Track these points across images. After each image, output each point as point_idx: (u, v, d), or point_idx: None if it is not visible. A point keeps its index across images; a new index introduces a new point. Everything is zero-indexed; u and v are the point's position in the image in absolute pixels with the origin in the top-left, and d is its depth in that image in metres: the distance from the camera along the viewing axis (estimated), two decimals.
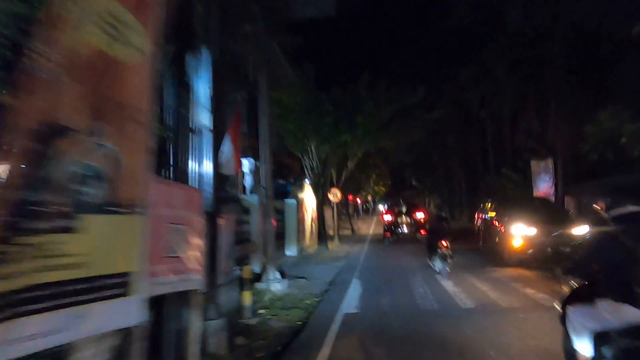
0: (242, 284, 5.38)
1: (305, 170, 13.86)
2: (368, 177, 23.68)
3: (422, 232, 12.47)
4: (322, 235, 13.94)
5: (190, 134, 4.17)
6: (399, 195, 41.70)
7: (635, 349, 2.28)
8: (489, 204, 13.35)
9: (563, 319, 2.87)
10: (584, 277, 2.87)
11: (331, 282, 8.34)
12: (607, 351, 2.41)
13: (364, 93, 12.69)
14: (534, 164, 18.68)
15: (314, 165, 13.48)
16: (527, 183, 20.29)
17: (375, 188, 36.12)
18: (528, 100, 18.11)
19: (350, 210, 33.72)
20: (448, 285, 7.58)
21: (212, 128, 4.27)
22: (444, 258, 8.38)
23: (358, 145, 13.35)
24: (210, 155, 4.31)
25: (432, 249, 9.04)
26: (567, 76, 15.66)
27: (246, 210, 7.29)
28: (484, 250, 11.97)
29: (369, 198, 52.18)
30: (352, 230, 23.67)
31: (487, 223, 12.37)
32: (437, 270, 8.66)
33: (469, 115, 28.08)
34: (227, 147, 5.39)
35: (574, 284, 2.97)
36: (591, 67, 15.60)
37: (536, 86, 17.20)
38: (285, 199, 12.83)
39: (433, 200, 42.16)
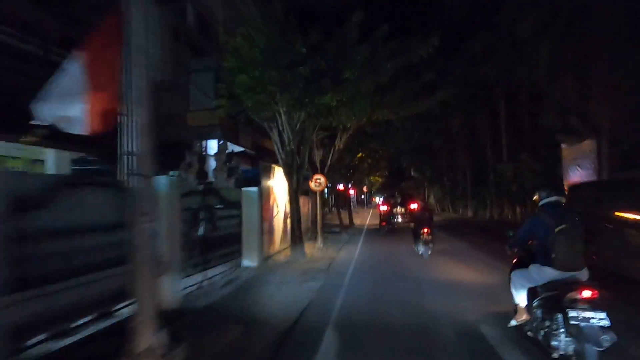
0: None
1: (276, 147, 10.06)
2: (362, 162, 19.34)
3: (426, 230, 10.90)
4: (296, 236, 10.20)
5: None
6: (396, 187, 42.33)
7: (551, 297, 3.64)
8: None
9: (509, 281, 4.32)
10: (522, 249, 4.25)
11: (286, 336, 4.42)
12: (535, 302, 3.87)
13: (355, 37, 8.86)
14: (565, 148, 15.08)
15: (286, 139, 9.65)
16: (550, 172, 16.95)
17: (371, 178, 31.79)
18: (562, 67, 14.38)
19: (341, 202, 30.23)
20: None
21: None
22: (426, 243, 9.99)
23: (346, 114, 9.48)
24: None
25: (416, 235, 10.67)
26: (619, 32, 11.96)
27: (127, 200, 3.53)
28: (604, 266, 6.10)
29: (364, 189, 46.45)
30: (341, 226, 19.89)
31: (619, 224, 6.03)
32: (420, 253, 10.13)
33: (478, 95, 24.46)
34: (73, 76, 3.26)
35: (514, 252, 4.39)
36: None
37: (574, 49, 13.51)
38: (246, 188, 9.09)
39: (434, 193, 39.36)
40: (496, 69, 19.76)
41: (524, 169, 19.17)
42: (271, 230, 9.96)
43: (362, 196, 55.87)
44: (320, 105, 8.48)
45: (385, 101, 10.37)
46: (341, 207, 26.56)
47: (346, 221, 21.92)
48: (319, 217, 13.13)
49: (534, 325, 3.88)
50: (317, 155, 13.24)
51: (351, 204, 31.47)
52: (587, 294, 3.34)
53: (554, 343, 3.49)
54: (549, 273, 3.70)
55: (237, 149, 13.43)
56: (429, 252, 9.90)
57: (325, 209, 28.23)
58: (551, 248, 3.61)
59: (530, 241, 4.11)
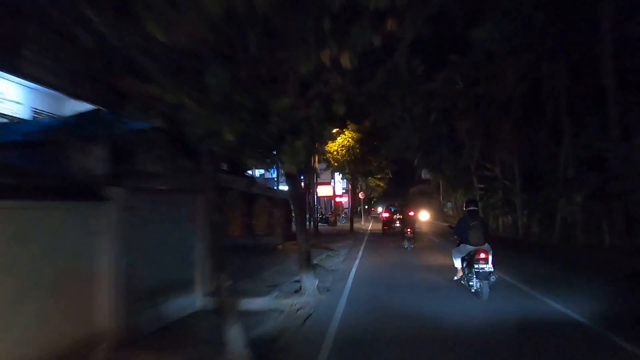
0: None
1: None
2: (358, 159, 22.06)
3: (408, 230, 14.29)
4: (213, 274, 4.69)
5: None
6: (401, 195, 43.44)
7: (469, 259, 6.71)
8: None
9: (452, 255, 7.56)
10: (459, 236, 7.20)
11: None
12: (464, 264, 6.96)
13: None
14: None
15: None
16: None
17: (370, 181, 29.96)
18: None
19: (330, 213, 31.15)
20: None
21: None
22: (409, 240, 14.01)
23: None
24: None
25: (402, 234, 14.79)
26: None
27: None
28: None
29: (360, 196, 34.32)
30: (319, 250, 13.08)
31: None
32: (405, 247, 14.00)
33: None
34: None
35: (456, 238, 7.42)
36: None
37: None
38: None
39: (455, 199, 31.69)
40: None
41: None
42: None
43: (360, 207, 42.52)
44: None
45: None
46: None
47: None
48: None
49: (463, 276, 7.12)
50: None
51: (335, 216, 32.86)
52: (482, 255, 6.41)
53: (470, 283, 6.73)
54: (468, 248, 6.87)
55: None
56: (412, 246, 13.94)
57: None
58: (469, 234, 6.84)
59: (461, 231, 7.10)
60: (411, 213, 19.17)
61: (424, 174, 40.48)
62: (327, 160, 21.95)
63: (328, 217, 31.51)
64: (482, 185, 24.81)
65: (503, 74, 17.13)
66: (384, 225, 22.86)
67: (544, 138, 18.07)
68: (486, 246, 6.70)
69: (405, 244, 13.96)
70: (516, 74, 16.79)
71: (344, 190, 40.49)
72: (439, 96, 21.07)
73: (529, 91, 17.56)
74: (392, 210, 23.07)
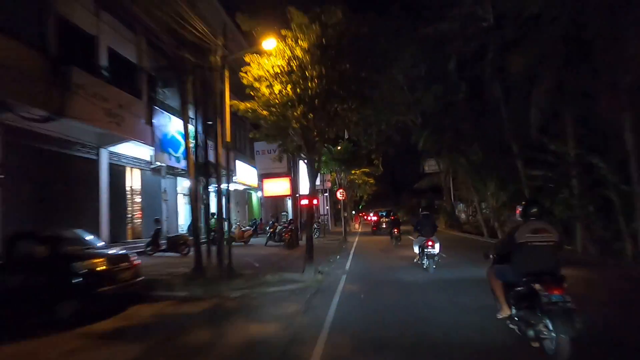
0: None
1: None
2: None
3: (396, 230, 16.99)
4: None
5: None
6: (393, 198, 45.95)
7: (421, 246, 9.75)
8: None
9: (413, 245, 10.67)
10: (419, 231, 10.11)
11: None
12: (420, 250, 9.93)
13: None
14: None
15: None
16: None
17: (353, 175, 24.48)
18: None
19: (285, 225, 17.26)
20: None
21: None
22: (396, 238, 16.66)
23: None
24: None
25: (391, 234, 17.54)
26: None
27: None
28: None
29: (339, 196, 23.98)
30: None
31: None
32: (394, 244, 16.44)
33: None
34: None
35: (416, 233, 10.32)
36: None
37: None
38: None
39: (491, 198, 19.49)
40: None
41: None
42: None
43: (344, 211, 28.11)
44: None
45: None
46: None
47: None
48: None
49: (419, 257, 10.05)
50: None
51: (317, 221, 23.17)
52: (430, 243, 9.30)
53: (422, 262, 9.63)
54: (421, 238, 9.66)
55: None
56: (399, 243, 16.35)
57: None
58: (423, 230, 9.77)
59: (420, 227, 9.95)
60: (394, 218, 20.07)
61: (428, 167, 30.78)
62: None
63: (281, 231, 16.95)
64: (538, 172, 14.98)
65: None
66: (372, 226, 28.55)
67: None
68: (434, 237, 9.51)
69: (394, 242, 16.67)
70: None
71: (321, 188, 29.73)
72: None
73: None
74: (381, 214, 28.83)
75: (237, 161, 19.76)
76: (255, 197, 27.54)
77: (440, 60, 19.56)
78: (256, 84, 7.86)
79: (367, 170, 27.22)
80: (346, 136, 23.30)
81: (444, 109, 20.30)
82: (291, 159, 17.91)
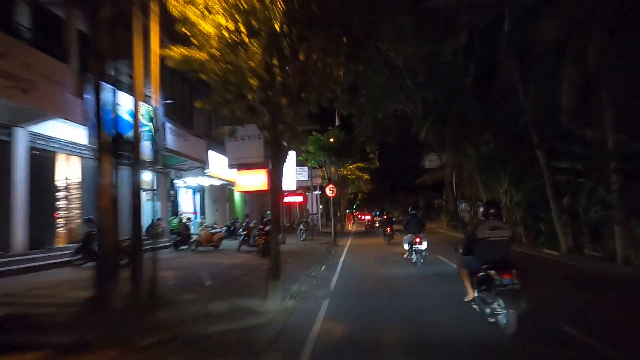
0: None
1: None
2: None
3: (389, 229, 17.35)
4: None
5: None
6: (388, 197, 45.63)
7: (410, 242, 10.45)
8: None
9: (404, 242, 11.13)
10: (408, 229, 10.69)
11: None
12: (409, 246, 10.60)
13: None
14: None
15: None
16: None
17: (345, 169, 21.81)
18: None
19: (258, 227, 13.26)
20: None
21: None
22: (389, 237, 17.11)
23: None
24: None
25: (384, 232, 17.92)
26: None
27: None
28: None
29: (329, 192, 20.01)
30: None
31: None
32: (386, 242, 16.92)
33: None
34: None
35: (405, 231, 10.89)
36: None
37: None
38: None
39: (508, 196, 16.35)
40: None
41: None
42: None
43: (337, 210, 27.19)
44: None
45: None
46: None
47: None
48: None
49: (408, 254, 10.68)
50: None
51: (304, 221, 20.51)
52: (417, 240, 10.10)
53: (411, 257, 10.52)
54: (410, 236, 10.36)
55: None
56: (392, 241, 16.66)
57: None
58: (411, 227, 10.50)
59: (407, 225, 10.77)
60: (385, 217, 20.57)
61: (429, 162, 28.22)
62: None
63: (253, 235, 13.31)
64: (566, 165, 12.94)
65: None
66: (366, 225, 29.42)
67: None
68: (422, 234, 10.24)
69: (387, 239, 17.14)
70: None
71: (310, 185, 26.91)
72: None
73: None
74: (375, 214, 31.47)
75: (210, 151, 16.97)
76: (237, 193, 24.78)
77: (446, 38, 16.91)
78: (192, 16, 5.20)
79: (361, 165, 24.57)
80: (337, 123, 20.65)
81: (449, 95, 17.74)
82: (268, 148, 15.17)
